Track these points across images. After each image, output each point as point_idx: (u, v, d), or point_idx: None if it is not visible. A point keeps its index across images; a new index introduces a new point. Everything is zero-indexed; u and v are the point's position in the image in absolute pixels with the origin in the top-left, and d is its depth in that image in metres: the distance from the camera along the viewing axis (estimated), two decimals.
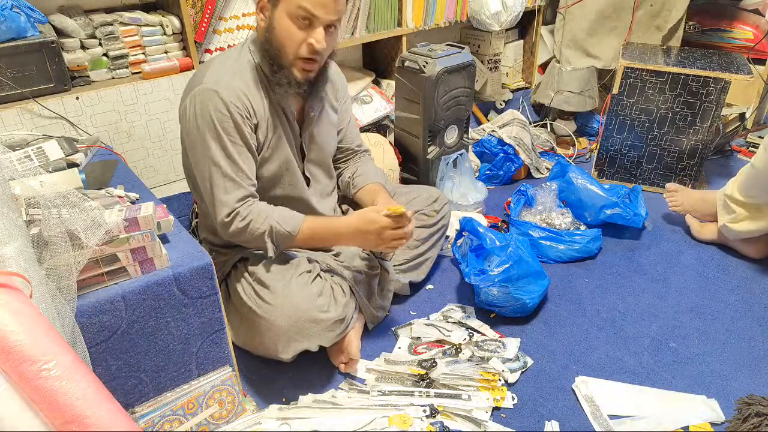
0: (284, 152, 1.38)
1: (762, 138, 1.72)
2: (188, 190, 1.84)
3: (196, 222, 1.69)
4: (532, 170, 2.44)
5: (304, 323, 1.29)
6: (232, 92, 1.24)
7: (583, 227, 2.00)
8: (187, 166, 1.42)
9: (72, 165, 1.31)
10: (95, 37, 1.66)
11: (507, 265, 1.54)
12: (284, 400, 1.35)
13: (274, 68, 1.29)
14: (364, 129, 2.23)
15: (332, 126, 1.53)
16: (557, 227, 1.96)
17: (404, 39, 2.29)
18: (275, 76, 1.30)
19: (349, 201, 1.68)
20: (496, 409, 1.32)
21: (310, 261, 1.42)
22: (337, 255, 1.60)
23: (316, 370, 1.44)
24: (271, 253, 1.32)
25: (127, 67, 1.73)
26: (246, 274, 1.37)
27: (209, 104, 1.23)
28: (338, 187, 1.65)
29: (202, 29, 1.82)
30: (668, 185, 2.05)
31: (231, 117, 1.24)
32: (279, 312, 1.29)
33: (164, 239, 1.14)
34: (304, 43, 1.24)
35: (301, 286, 1.32)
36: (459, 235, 1.78)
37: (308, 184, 1.49)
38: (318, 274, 1.39)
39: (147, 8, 1.81)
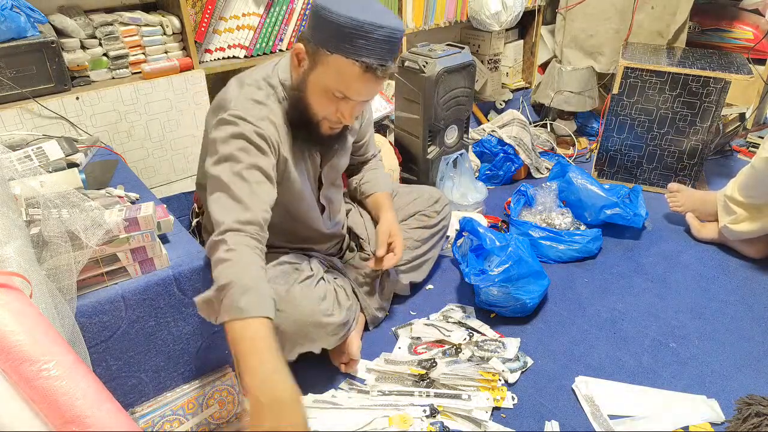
0: (302, 185, 1.35)
1: (762, 138, 1.72)
2: (188, 190, 1.85)
3: (197, 222, 1.69)
4: (532, 170, 2.44)
5: (309, 328, 1.28)
6: (260, 120, 1.19)
7: (583, 227, 2.00)
8: (205, 174, 1.34)
9: (72, 165, 1.31)
10: (95, 37, 1.66)
11: (507, 265, 1.54)
12: None
13: (296, 115, 1.25)
14: None
15: (349, 149, 1.49)
16: (557, 227, 1.96)
17: (404, 39, 2.29)
18: (294, 119, 1.25)
19: (357, 200, 1.70)
20: (496, 409, 1.31)
21: (311, 266, 1.42)
22: (340, 256, 1.60)
23: (316, 370, 1.44)
24: (203, 314, 1.05)
25: (127, 67, 1.73)
26: None
27: (237, 131, 1.16)
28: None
29: (202, 29, 1.82)
30: (670, 185, 2.05)
31: (255, 143, 1.17)
32: (283, 317, 1.27)
33: (164, 239, 1.14)
34: (335, 113, 1.22)
35: (305, 291, 1.31)
36: (459, 235, 1.78)
37: (322, 211, 1.47)
38: (321, 278, 1.39)
39: (147, 8, 1.81)
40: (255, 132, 1.17)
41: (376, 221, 1.60)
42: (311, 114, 1.23)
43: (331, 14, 1.10)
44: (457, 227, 1.89)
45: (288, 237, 1.44)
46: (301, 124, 1.25)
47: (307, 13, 2.00)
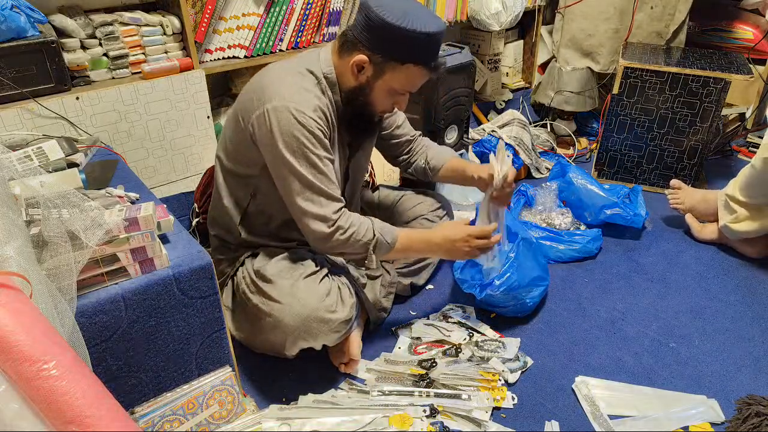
0: (337, 174, 1.40)
1: (762, 138, 1.72)
2: (188, 190, 1.85)
3: (197, 222, 1.69)
4: (532, 170, 2.44)
5: (312, 323, 1.29)
6: (314, 110, 1.27)
7: (583, 227, 2.00)
8: (224, 162, 1.42)
9: (72, 165, 1.31)
10: (95, 37, 1.65)
11: (508, 275, 1.53)
12: (284, 400, 1.35)
13: (355, 113, 1.36)
14: None
15: (372, 145, 1.59)
16: (557, 227, 1.96)
17: None
18: (353, 117, 1.37)
19: (367, 203, 1.74)
20: (496, 409, 1.32)
21: (317, 262, 1.42)
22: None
23: (317, 370, 1.44)
24: (374, 265, 1.36)
25: (127, 67, 1.73)
26: (253, 272, 1.37)
27: (294, 122, 1.24)
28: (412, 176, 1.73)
29: (202, 29, 1.82)
30: (672, 182, 2.04)
31: (316, 133, 1.26)
32: (287, 310, 1.29)
33: (164, 239, 1.14)
34: (392, 105, 1.38)
35: (309, 285, 1.32)
36: None
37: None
38: (326, 275, 1.39)
39: (147, 8, 1.80)
40: (315, 120, 1.26)
41: (463, 183, 1.65)
42: (371, 110, 1.37)
43: (401, 29, 1.21)
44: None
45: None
46: (359, 119, 1.38)
47: (308, 13, 2.01)
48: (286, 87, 1.27)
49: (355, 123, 1.38)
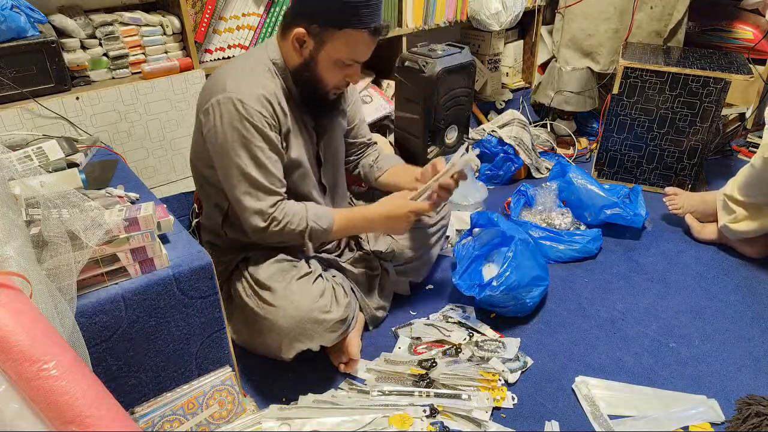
0: (303, 161, 1.40)
1: (762, 138, 1.72)
2: (188, 190, 1.85)
3: (197, 222, 1.69)
4: (532, 170, 2.44)
5: (306, 324, 1.29)
6: (257, 100, 1.25)
7: (583, 227, 2.00)
8: (195, 165, 1.42)
9: (72, 165, 1.31)
10: (95, 37, 1.65)
11: (507, 274, 1.53)
12: (284, 400, 1.35)
13: (306, 92, 1.34)
14: None
15: (342, 131, 1.56)
16: (557, 227, 1.96)
17: (404, 39, 2.28)
18: (305, 97, 1.35)
19: (361, 196, 1.70)
20: (496, 409, 1.31)
21: (310, 263, 1.42)
22: (339, 255, 1.60)
23: (316, 370, 1.44)
24: (310, 252, 1.38)
25: (127, 67, 1.73)
26: (247, 275, 1.37)
27: (235, 113, 1.24)
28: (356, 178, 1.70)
29: (202, 29, 1.82)
30: (666, 189, 2.05)
31: (257, 125, 1.25)
32: (281, 313, 1.29)
33: (164, 239, 1.14)
34: (343, 79, 1.33)
35: (303, 287, 1.32)
36: (467, 233, 1.78)
37: (324, 191, 1.50)
38: (319, 275, 1.39)
39: (147, 8, 1.81)
40: (258, 111, 1.24)
41: (406, 185, 1.58)
42: (322, 87, 1.33)
43: None
44: (458, 227, 1.89)
45: None
46: (312, 98, 1.35)
47: None
48: (232, 79, 1.27)
49: (310, 104, 1.36)
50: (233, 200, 1.31)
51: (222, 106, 1.24)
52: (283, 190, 1.34)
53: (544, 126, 2.76)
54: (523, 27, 2.84)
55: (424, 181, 1.48)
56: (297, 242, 1.35)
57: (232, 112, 1.23)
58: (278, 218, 1.30)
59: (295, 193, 1.42)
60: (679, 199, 2.00)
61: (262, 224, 1.29)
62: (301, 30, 1.25)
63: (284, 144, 1.35)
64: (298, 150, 1.38)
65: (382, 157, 1.66)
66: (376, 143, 1.70)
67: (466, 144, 1.60)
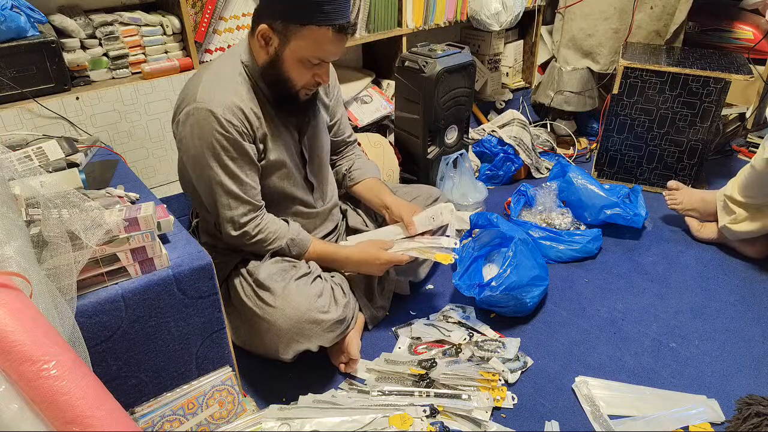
0: (285, 161, 1.39)
1: (762, 138, 1.72)
2: None
3: (196, 222, 1.69)
4: (532, 170, 2.44)
5: (304, 324, 1.29)
6: (227, 109, 1.23)
7: (583, 227, 2.00)
8: (183, 174, 1.43)
9: (72, 165, 1.31)
10: (95, 37, 1.65)
11: (506, 274, 1.53)
12: (284, 400, 1.35)
13: (276, 92, 1.31)
14: (364, 129, 2.23)
15: (325, 126, 1.54)
16: (557, 227, 1.96)
17: (404, 39, 2.28)
18: (277, 98, 1.32)
19: (349, 198, 1.69)
20: (496, 409, 1.32)
21: (309, 263, 1.42)
22: None
23: (316, 370, 1.44)
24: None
25: (127, 67, 1.73)
26: (246, 276, 1.37)
27: (205, 124, 1.23)
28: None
29: (202, 29, 1.82)
30: (669, 183, 2.04)
31: (229, 134, 1.24)
32: (279, 313, 1.29)
33: (164, 239, 1.14)
34: (312, 78, 1.30)
35: (301, 288, 1.32)
36: (467, 234, 1.78)
37: (312, 189, 1.50)
38: (318, 275, 1.39)
39: (147, 8, 1.81)
40: (228, 120, 1.23)
41: (374, 206, 1.60)
42: (291, 86, 1.29)
43: None
44: (458, 227, 1.88)
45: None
46: (282, 98, 1.32)
47: None
48: (202, 88, 1.25)
49: (281, 103, 1.33)
50: (209, 206, 1.33)
51: (191, 117, 1.24)
52: (258, 197, 1.34)
53: (544, 126, 2.76)
54: (523, 27, 2.84)
55: (391, 220, 1.52)
56: (264, 254, 1.38)
57: (203, 123, 1.23)
58: (250, 233, 1.32)
59: (279, 194, 1.42)
60: (680, 195, 2.00)
61: (234, 232, 1.31)
62: (264, 26, 1.23)
63: (262, 147, 1.33)
64: (278, 151, 1.36)
65: (357, 165, 1.64)
66: (356, 141, 1.69)
67: (450, 205, 1.61)
